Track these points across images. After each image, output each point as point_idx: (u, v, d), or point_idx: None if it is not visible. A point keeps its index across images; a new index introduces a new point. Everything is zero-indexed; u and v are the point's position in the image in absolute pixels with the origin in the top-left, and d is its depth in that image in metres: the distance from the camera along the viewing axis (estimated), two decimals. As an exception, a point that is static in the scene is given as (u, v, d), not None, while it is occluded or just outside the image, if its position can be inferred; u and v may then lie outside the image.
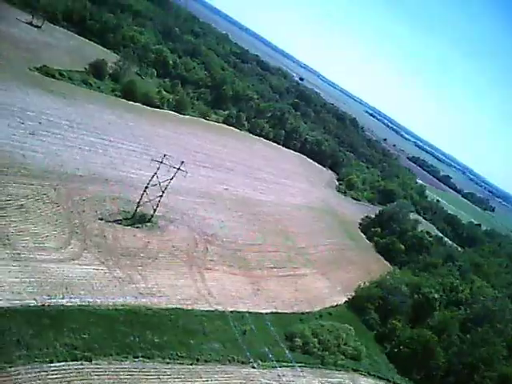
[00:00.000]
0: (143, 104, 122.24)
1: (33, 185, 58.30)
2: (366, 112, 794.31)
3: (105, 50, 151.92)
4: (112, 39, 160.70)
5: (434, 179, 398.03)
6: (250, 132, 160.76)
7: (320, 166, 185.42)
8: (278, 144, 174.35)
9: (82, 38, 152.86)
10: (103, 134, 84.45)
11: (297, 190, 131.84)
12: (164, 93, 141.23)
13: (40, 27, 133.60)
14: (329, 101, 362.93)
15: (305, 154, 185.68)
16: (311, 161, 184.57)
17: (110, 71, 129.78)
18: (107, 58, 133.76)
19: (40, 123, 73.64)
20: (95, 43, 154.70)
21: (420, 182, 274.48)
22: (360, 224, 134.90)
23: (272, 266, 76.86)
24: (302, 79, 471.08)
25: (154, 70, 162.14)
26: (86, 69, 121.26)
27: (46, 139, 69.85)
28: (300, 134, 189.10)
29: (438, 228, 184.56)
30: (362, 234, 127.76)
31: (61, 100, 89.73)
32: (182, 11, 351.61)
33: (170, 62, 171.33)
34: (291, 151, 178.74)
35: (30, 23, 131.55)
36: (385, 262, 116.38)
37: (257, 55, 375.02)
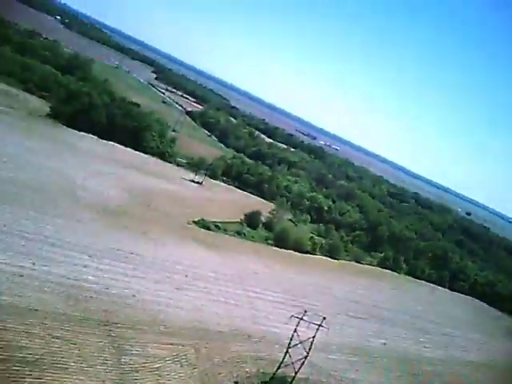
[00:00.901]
0: (294, 250, 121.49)
1: (172, 344, 56.68)
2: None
3: (260, 200, 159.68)
4: (267, 190, 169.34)
5: None
6: (409, 275, 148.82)
7: (496, 311, 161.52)
8: (443, 287, 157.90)
9: (239, 190, 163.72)
10: (248, 285, 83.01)
11: (469, 342, 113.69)
12: (316, 238, 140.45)
13: (201, 183, 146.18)
14: (500, 234, 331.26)
15: (475, 297, 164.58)
16: (484, 304, 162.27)
17: (264, 220, 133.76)
18: (262, 207, 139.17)
19: (186, 276, 74.89)
20: (252, 195, 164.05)
21: None
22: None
23: None
24: (468, 214, 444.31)
25: (307, 215, 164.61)
26: (241, 220, 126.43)
27: (190, 293, 69.91)
28: (467, 275, 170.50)
29: None
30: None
31: (211, 252, 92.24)
32: (336, 158, 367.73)
33: (324, 207, 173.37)
34: (458, 294, 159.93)
35: (193, 180, 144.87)
36: None
37: (416, 193, 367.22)
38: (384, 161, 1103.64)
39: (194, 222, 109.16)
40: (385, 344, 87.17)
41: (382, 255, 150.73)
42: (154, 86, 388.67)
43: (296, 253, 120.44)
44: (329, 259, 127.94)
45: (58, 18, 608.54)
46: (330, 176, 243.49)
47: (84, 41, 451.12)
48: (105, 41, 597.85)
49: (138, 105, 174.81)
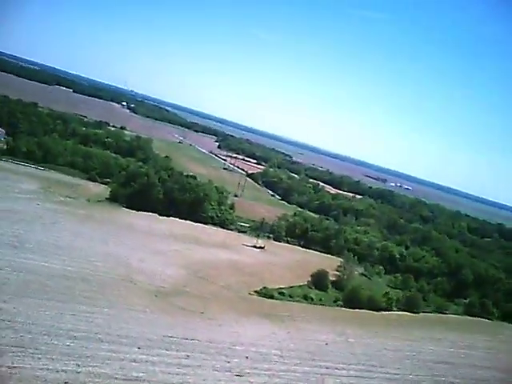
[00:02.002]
0: (368, 309, 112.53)
1: None
2: None
3: (328, 256, 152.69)
4: (334, 245, 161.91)
5: None
6: (503, 320, 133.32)
7: None
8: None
9: (305, 249, 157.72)
10: (319, 360, 75.68)
11: None
12: (393, 291, 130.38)
13: (263, 248, 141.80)
14: None
15: None
16: None
17: (333, 279, 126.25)
18: (330, 264, 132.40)
19: (247, 358, 69.24)
20: (318, 252, 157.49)
21: None
22: None
23: None
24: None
25: (380, 267, 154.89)
26: (308, 282, 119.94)
27: (252, 379, 63.75)
28: None
29: None
30: None
31: (275, 325, 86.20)
32: (407, 199, 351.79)
33: (396, 255, 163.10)
34: None
35: (254, 246, 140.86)
36: None
37: (499, 224, 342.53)
38: (466, 196, 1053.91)
39: (256, 291, 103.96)
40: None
41: (468, 301, 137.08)
42: (216, 155, 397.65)
43: (370, 311, 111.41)
44: (408, 314, 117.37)
45: (124, 104, 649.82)
46: (402, 220, 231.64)
47: (149, 122, 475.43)
48: (169, 119, 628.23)
49: (194, 177, 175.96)
